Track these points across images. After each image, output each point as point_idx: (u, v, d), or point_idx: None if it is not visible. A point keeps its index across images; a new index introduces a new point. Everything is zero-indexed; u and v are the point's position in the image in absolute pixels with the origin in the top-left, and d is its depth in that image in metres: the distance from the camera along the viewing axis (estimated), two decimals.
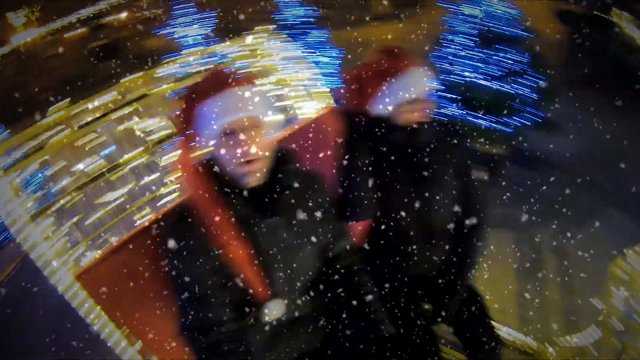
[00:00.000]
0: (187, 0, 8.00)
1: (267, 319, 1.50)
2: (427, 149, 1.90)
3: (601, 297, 2.20)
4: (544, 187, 5.26)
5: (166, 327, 1.67)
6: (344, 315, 1.68)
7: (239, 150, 1.38)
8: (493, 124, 5.75)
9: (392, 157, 1.88)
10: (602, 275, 2.28)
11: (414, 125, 1.86)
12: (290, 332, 1.61)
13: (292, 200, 1.54)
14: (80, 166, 1.92)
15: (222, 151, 1.40)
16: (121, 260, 1.63)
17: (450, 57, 6.06)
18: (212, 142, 1.41)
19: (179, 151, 1.44)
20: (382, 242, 1.98)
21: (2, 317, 5.25)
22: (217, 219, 1.39)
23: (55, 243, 1.78)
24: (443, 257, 1.99)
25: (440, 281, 1.96)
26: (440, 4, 6.27)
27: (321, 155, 2.30)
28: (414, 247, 1.95)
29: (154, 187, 2.23)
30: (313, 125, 2.37)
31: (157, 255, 1.64)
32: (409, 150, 1.90)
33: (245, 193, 1.44)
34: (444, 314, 1.91)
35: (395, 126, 1.87)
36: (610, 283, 2.13)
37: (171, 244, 1.40)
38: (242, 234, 1.44)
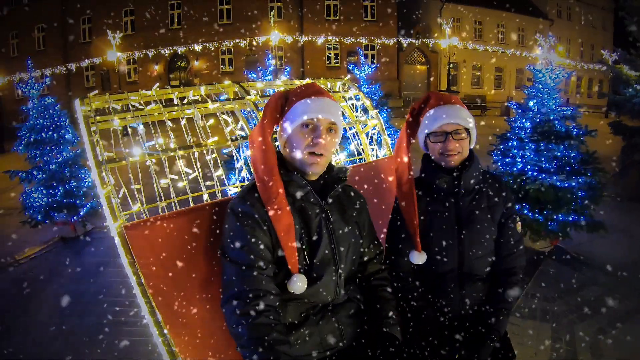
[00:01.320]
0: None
1: (290, 290, 1.61)
2: (469, 194, 2.03)
3: None
4: (585, 287, 5.21)
5: (191, 309, 1.75)
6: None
7: (311, 142, 1.65)
8: (541, 218, 5.72)
9: (438, 200, 2.03)
10: None
11: (457, 172, 1.99)
12: (325, 317, 1.71)
13: (340, 200, 1.82)
14: (159, 139, 2.04)
15: (299, 139, 1.66)
16: (168, 229, 1.75)
17: (506, 148, 6.18)
18: (293, 129, 1.67)
19: (258, 130, 1.69)
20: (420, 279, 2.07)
21: (18, 290, 5.45)
22: (277, 194, 1.59)
23: (118, 192, 1.88)
24: (478, 300, 2.03)
25: (474, 325, 1.97)
26: (511, 106, 6.54)
27: (381, 186, 2.56)
28: (451, 286, 2.01)
29: (222, 180, 2.33)
30: (382, 164, 2.68)
31: (206, 236, 1.81)
32: (453, 193, 2.01)
33: (303, 181, 1.67)
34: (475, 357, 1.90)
35: (442, 170, 2.01)
36: None
37: (235, 212, 1.60)
38: (295, 211, 1.65)
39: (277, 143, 1.80)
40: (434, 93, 2.07)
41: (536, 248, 6.17)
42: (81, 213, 7.25)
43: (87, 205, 7.30)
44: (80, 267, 6.02)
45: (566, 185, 5.57)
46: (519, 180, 5.83)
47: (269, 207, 1.57)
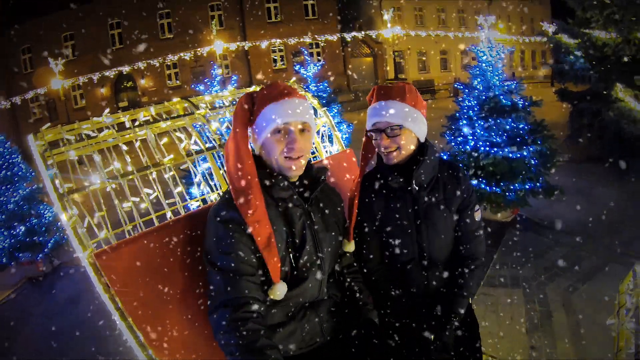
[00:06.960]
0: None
1: (271, 296, 1.61)
2: (425, 189, 2.00)
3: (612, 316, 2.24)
4: (550, 249, 5.49)
5: (172, 327, 1.75)
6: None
7: (287, 146, 1.62)
8: (498, 190, 5.93)
9: (394, 196, 2.02)
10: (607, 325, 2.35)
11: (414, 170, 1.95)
12: (306, 314, 1.74)
13: (320, 201, 1.81)
14: (116, 164, 2.03)
15: (274, 145, 1.62)
16: (139, 250, 1.74)
17: (457, 128, 6.36)
18: (265, 136, 1.64)
19: (232, 140, 1.65)
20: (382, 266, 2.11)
21: None
22: (255, 207, 1.56)
23: (83, 222, 1.84)
24: (441, 282, 2.06)
25: (438, 308, 2.01)
26: (458, 86, 6.79)
27: (340, 181, 2.55)
28: (414, 272, 2.04)
29: (185, 196, 2.35)
30: (337, 159, 2.71)
31: (178, 251, 1.80)
32: (407, 191, 1.99)
33: (285, 183, 1.65)
34: (443, 341, 1.93)
35: (392, 169, 2.00)
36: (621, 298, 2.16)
37: (220, 219, 1.58)
38: (278, 215, 1.65)
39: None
40: (378, 87, 1.98)
41: (498, 219, 6.42)
42: (46, 250, 7.05)
43: (51, 241, 7.11)
44: (52, 306, 5.90)
45: (518, 155, 5.80)
46: (472, 156, 6.03)
47: (247, 221, 1.55)
